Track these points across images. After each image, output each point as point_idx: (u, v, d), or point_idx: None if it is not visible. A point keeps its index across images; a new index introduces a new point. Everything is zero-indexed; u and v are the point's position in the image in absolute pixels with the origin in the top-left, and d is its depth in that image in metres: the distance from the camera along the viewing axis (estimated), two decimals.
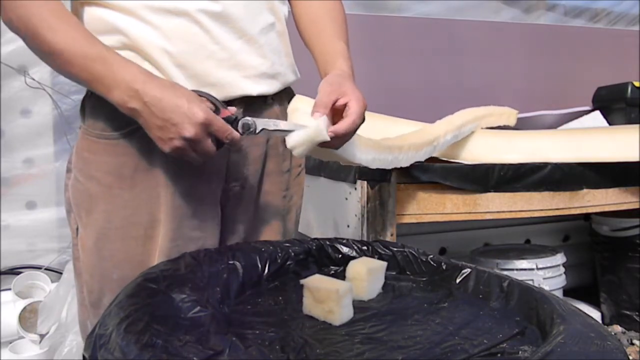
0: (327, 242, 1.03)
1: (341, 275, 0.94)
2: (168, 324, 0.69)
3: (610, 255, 2.00)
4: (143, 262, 0.95)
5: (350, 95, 0.94)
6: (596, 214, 1.94)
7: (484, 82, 2.54)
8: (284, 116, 1.08)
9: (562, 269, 1.87)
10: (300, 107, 0.98)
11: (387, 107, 1.54)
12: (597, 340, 0.69)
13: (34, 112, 2.08)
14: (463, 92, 2.46)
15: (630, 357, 1.35)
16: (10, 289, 1.99)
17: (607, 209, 1.68)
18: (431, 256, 1.00)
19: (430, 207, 1.50)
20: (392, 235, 1.45)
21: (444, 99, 2.22)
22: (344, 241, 1.04)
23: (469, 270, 0.95)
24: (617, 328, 1.96)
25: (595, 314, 2.02)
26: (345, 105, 0.94)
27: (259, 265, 0.94)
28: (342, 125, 0.93)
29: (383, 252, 1.02)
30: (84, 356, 0.72)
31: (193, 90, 0.91)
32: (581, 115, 2.07)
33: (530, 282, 0.95)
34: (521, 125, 1.94)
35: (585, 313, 0.79)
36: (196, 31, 0.94)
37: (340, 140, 0.94)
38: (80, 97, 1.01)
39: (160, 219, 0.97)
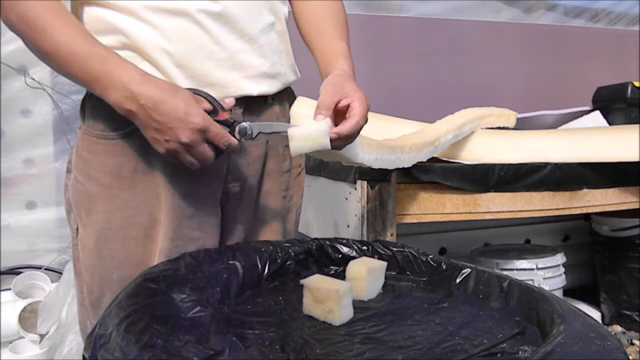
0: (327, 242, 1.03)
1: (341, 275, 0.94)
2: (168, 324, 0.69)
3: (610, 255, 1.99)
4: (143, 262, 0.95)
5: (353, 96, 0.94)
6: (596, 214, 1.94)
7: (484, 82, 2.54)
8: (284, 116, 1.08)
9: (562, 269, 1.87)
10: (302, 112, 0.97)
11: (387, 107, 1.54)
12: (597, 340, 0.69)
13: (34, 112, 2.08)
14: (463, 92, 2.46)
15: (630, 357, 1.35)
16: (10, 289, 1.99)
17: (607, 209, 1.68)
18: (431, 256, 1.00)
19: (430, 207, 1.50)
20: (392, 235, 1.45)
21: (444, 99, 2.22)
22: (344, 241, 1.04)
23: (469, 270, 0.95)
24: (617, 328, 1.96)
25: (595, 314, 2.01)
26: (348, 106, 0.94)
27: (259, 265, 0.94)
28: (346, 127, 0.92)
29: (383, 252, 1.02)
30: (84, 356, 0.72)
31: (191, 90, 0.91)
32: (581, 115, 2.07)
33: (530, 282, 0.96)
34: (521, 125, 1.94)
35: (585, 313, 0.79)
36: (196, 31, 0.94)
37: (343, 141, 0.94)
38: (80, 97, 1.01)
39: (160, 219, 0.97)
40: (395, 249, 1.02)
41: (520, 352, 0.72)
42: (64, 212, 1.06)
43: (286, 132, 0.92)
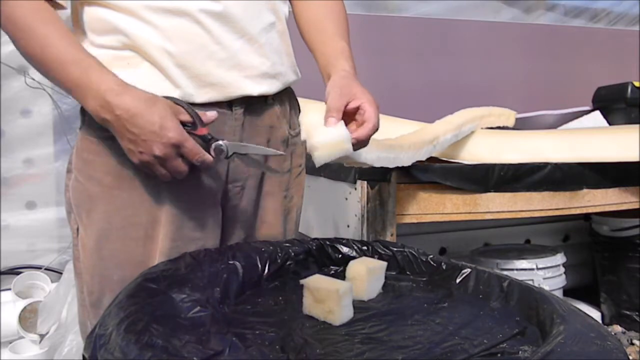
0: (327, 242, 1.03)
1: (341, 275, 0.94)
2: (168, 324, 0.69)
3: (610, 255, 1.99)
4: (143, 262, 0.95)
5: (362, 98, 0.94)
6: (596, 214, 1.94)
7: (484, 82, 2.54)
8: (284, 116, 1.08)
9: (562, 269, 1.87)
10: (312, 120, 0.96)
11: (387, 107, 1.53)
12: (597, 340, 0.69)
13: (34, 112, 2.08)
14: (463, 92, 2.46)
15: (630, 357, 1.35)
16: (10, 289, 1.99)
17: (607, 209, 1.68)
18: (431, 256, 1.00)
19: (430, 207, 1.50)
20: (392, 235, 1.45)
21: (444, 99, 2.21)
22: (344, 241, 1.04)
23: (469, 270, 0.95)
24: (617, 328, 1.96)
25: (595, 314, 2.01)
26: (357, 108, 0.94)
27: (259, 265, 0.94)
28: (364, 131, 0.93)
29: (383, 252, 1.02)
30: (83, 356, 0.72)
31: (174, 100, 0.91)
32: (581, 115, 2.07)
33: (530, 282, 0.96)
34: (521, 125, 1.94)
35: (585, 313, 0.79)
36: (197, 31, 0.94)
37: (360, 145, 0.94)
38: None
39: (160, 219, 0.97)
40: (395, 249, 1.02)
41: (520, 352, 0.72)
42: (64, 212, 1.06)
43: (257, 155, 0.92)
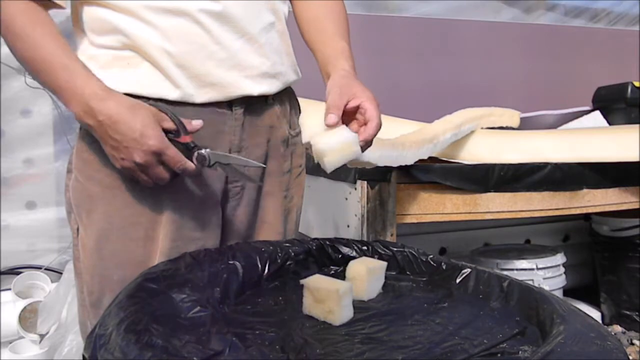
0: (327, 242, 1.03)
1: (341, 275, 0.94)
2: (168, 324, 0.69)
3: (610, 255, 2.00)
4: (143, 262, 0.95)
5: (362, 96, 0.94)
6: (596, 214, 1.94)
7: (484, 82, 2.54)
8: (284, 116, 1.08)
9: (562, 269, 1.87)
10: (313, 123, 0.96)
11: (387, 107, 1.53)
12: (597, 340, 0.69)
13: (34, 112, 2.08)
14: (463, 92, 2.46)
15: (630, 357, 1.35)
16: (10, 289, 1.99)
17: (607, 209, 1.69)
18: (431, 256, 1.00)
19: (431, 207, 1.50)
20: (392, 235, 1.45)
21: (444, 99, 2.22)
22: (344, 241, 1.04)
23: (469, 270, 0.95)
24: (617, 328, 1.96)
25: (595, 314, 2.02)
26: (357, 107, 0.94)
27: (259, 265, 0.93)
28: (370, 131, 0.93)
29: (383, 252, 1.02)
30: (83, 356, 0.72)
31: (158, 107, 0.91)
32: (581, 115, 2.07)
33: (530, 282, 0.95)
34: (521, 125, 1.94)
35: (585, 313, 0.79)
36: (197, 31, 0.94)
37: (368, 145, 0.94)
38: None
39: (160, 219, 0.97)
40: (395, 249, 1.02)
41: (520, 352, 0.72)
42: (64, 212, 1.06)
43: (239, 166, 0.93)
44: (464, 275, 0.95)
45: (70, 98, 0.87)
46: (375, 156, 1.18)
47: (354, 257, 0.99)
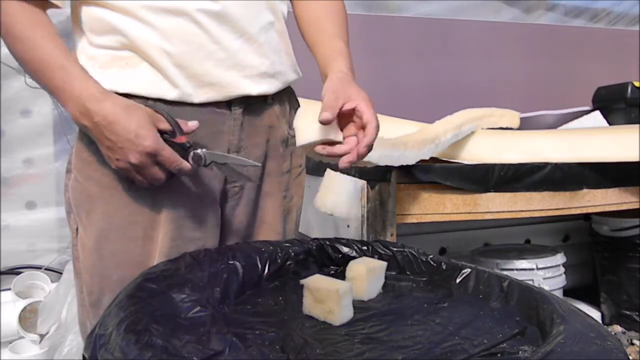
0: (327, 242, 1.03)
1: (341, 275, 0.94)
2: (168, 324, 0.69)
3: (610, 255, 1.99)
4: (143, 262, 0.95)
5: (357, 98, 0.93)
6: (596, 214, 1.94)
7: (484, 82, 2.54)
8: (284, 116, 1.08)
9: (562, 269, 1.87)
10: (307, 125, 0.96)
11: (387, 107, 1.53)
12: (597, 340, 0.69)
13: (34, 112, 2.08)
14: (463, 92, 2.46)
15: (630, 357, 1.35)
16: (10, 289, 1.99)
17: (607, 209, 1.68)
18: (431, 256, 1.00)
19: (431, 207, 1.50)
20: (392, 235, 1.45)
21: (444, 99, 2.22)
22: (344, 241, 1.04)
23: (469, 270, 0.95)
24: (617, 328, 1.96)
25: (595, 314, 2.02)
26: (353, 109, 0.93)
27: (259, 265, 0.93)
28: (370, 136, 0.92)
29: (383, 252, 1.02)
30: (84, 356, 0.72)
31: (154, 108, 0.91)
32: (581, 115, 2.07)
33: (530, 282, 0.95)
34: (521, 125, 1.94)
35: (585, 313, 0.79)
36: (195, 31, 0.94)
37: (369, 150, 0.94)
38: None
39: (159, 219, 0.97)
40: (395, 249, 1.02)
41: (520, 352, 0.72)
42: (64, 212, 1.06)
43: (236, 165, 0.94)
44: (464, 275, 0.95)
45: (67, 99, 0.88)
46: (376, 156, 1.18)
47: (354, 257, 0.99)
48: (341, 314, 0.80)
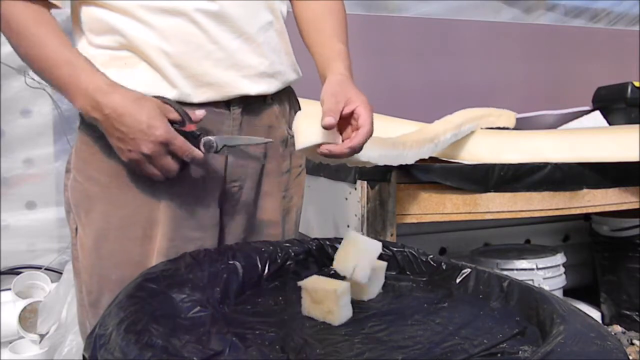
0: (327, 242, 1.03)
1: (341, 276, 0.94)
2: (168, 324, 0.69)
3: (610, 255, 1.99)
4: (141, 262, 0.95)
5: (356, 101, 0.93)
6: (596, 214, 1.94)
7: (484, 82, 2.54)
8: (283, 116, 1.08)
9: (562, 269, 1.87)
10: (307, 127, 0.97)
11: (386, 107, 1.54)
12: (597, 340, 0.69)
13: (34, 112, 2.08)
14: (463, 92, 2.46)
15: (630, 357, 1.35)
16: (10, 289, 1.99)
17: (607, 209, 1.68)
18: (431, 256, 1.00)
19: (431, 207, 1.50)
20: (392, 235, 1.45)
21: (444, 99, 2.22)
22: None
23: (469, 270, 0.95)
24: (617, 328, 1.96)
25: (595, 314, 2.01)
26: (352, 112, 0.94)
27: (259, 265, 0.93)
28: (358, 139, 0.92)
29: (383, 252, 1.02)
30: (84, 356, 0.72)
31: (160, 99, 0.91)
32: (581, 115, 2.07)
33: (530, 282, 0.95)
34: (521, 125, 1.94)
35: (585, 313, 0.79)
36: (193, 31, 0.94)
37: (354, 151, 0.94)
38: None
39: (158, 219, 0.97)
40: (395, 249, 1.02)
41: (520, 352, 0.72)
42: (63, 212, 1.06)
43: (248, 145, 0.94)
44: (464, 275, 0.95)
45: (75, 93, 0.88)
46: (375, 155, 1.18)
47: None
48: (340, 314, 0.80)
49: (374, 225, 1.43)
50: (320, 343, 0.74)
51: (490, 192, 1.53)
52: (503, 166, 1.54)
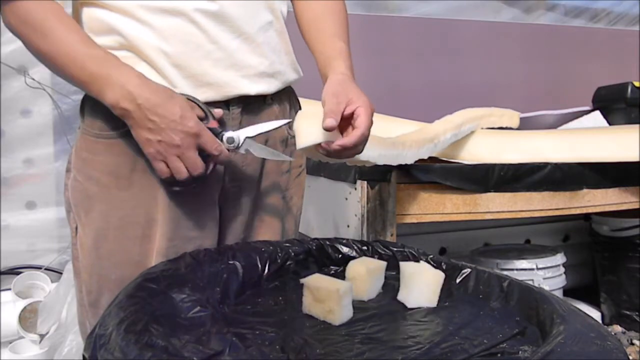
0: (327, 242, 1.03)
1: (341, 275, 0.94)
2: (168, 324, 0.69)
3: (610, 255, 2.00)
4: (141, 262, 0.95)
5: (357, 102, 0.93)
6: (596, 214, 1.94)
7: (484, 82, 2.54)
8: (283, 116, 1.08)
9: (562, 269, 1.87)
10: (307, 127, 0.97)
11: (387, 107, 1.54)
12: (597, 340, 0.69)
13: (34, 112, 2.08)
14: (463, 92, 2.46)
15: (630, 357, 1.35)
16: (10, 289, 1.99)
17: (607, 209, 1.69)
18: (431, 256, 1.00)
19: (431, 207, 1.50)
20: (392, 235, 1.45)
21: (444, 99, 2.22)
22: (344, 241, 1.03)
23: (469, 270, 0.95)
24: (617, 328, 1.96)
25: (595, 314, 2.02)
26: (352, 113, 0.93)
27: (259, 265, 0.94)
28: (351, 139, 0.92)
29: (383, 252, 1.02)
30: (84, 356, 0.72)
31: (185, 96, 0.92)
32: (581, 115, 2.07)
33: (530, 282, 0.95)
34: (521, 125, 1.94)
35: (585, 313, 0.79)
36: (193, 31, 0.94)
37: (349, 151, 0.94)
38: (80, 97, 1.01)
39: (157, 218, 0.97)
40: (395, 249, 1.02)
41: (520, 352, 0.72)
42: (64, 212, 1.06)
43: (268, 131, 0.95)
44: (464, 275, 0.95)
45: (103, 86, 0.88)
46: (375, 155, 1.18)
47: (354, 257, 0.99)
48: (341, 314, 0.80)
49: (374, 225, 1.43)
50: (320, 343, 0.74)
51: (490, 192, 1.53)
52: (503, 166, 1.54)
